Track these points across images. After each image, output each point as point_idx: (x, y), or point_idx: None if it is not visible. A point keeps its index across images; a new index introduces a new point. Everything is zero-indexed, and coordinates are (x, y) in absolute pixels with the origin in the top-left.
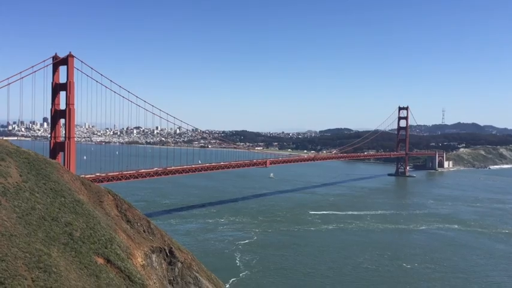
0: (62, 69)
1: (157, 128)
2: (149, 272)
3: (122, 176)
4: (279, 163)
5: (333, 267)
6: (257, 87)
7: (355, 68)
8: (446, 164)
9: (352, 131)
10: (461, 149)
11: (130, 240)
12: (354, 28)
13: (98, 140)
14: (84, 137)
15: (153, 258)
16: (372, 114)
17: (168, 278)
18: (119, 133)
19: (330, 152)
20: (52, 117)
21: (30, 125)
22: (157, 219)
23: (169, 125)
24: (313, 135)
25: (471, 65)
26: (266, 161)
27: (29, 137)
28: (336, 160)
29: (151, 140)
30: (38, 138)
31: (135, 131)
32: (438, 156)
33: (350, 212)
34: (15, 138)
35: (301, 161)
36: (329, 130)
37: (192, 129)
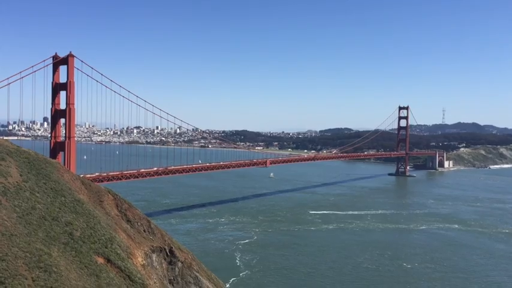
0: (62, 68)
1: (157, 127)
2: (149, 271)
3: (122, 176)
4: (279, 163)
5: (333, 267)
6: (257, 87)
7: (355, 67)
8: (446, 163)
9: (353, 130)
10: (462, 149)
11: (131, 240)
12: (354, 28)
13: (98, 140)
14: (85, 137)
15: (154, 258)
16: (372, 114)
17: (168, 277)
18: (119, 133)
19: (330, 152)
20: (52, 116)
21: (31, 124)
22: (157, 219)
23: (170, 125)
24: (313, 135)
25: (471, 65)
26: (266, 161)
27: (29, 136)
28: (336, 160)
29: (152, 140)
30: (38, 137)
31: (135, 131)
32: (438, 156)
33: (350, 212)
34: (16, 137)
35: (301, 161)
36: (329, 130)
37: (192, 129)
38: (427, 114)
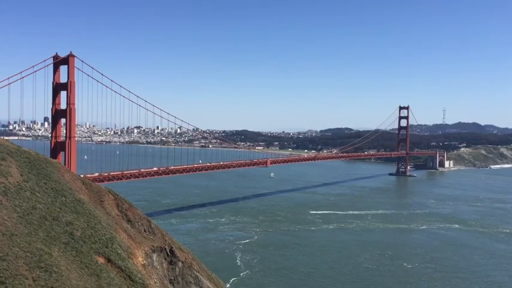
0: (63, 68)
1: (157, 127)
2: (150, 271)
3: (122, 176)
4: (279, 163)
5: (334, 266)
6: (258, 87)
7: (355, 67)
8: (447, 163)
9: (353, 130)
10: (462, 149)
11: (131, 240)
12: (354, 28)
13: (99, 140)
14: (85, 137)
15: (154, 258)
16: (373, 114)
17: (168, 277)
18: (119, 133)
19: (331, 152)
20: (53, 116)
21: (31, 124)
22: (158, 219)
23: (170, 125)
24: (313, 134)
25: (472, 65)
26: (267, 161)
27: (30, 136)
28: (337, 160)
29: (152, 140)
30: (39, 137)
31: (135, 131)
32: (439, 156)
33: (351, 212)
34: (16, 137)
35: (301, 161)
36: (330, 130)
37: (193, 129)
38: (427, 114)
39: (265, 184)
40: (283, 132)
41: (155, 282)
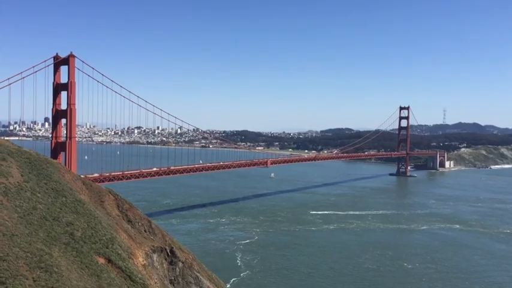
0: (63, 69)
1: (158, 128)
2: (150, 271)
3: (123, 176)
4: (280, 163)
5: (334, 267)
6: (258, 87)
7: (355, 68)
8: (447, 163)
9: (353, 130)
10: (463, 149)
11: (132, 240)
12: (354, 28)
13: (99, 140)
14: (85, 137)
15: (154, 258)
16: (373, 114)
17: (169, 277)
18: (120, 133)
19: (331, 152)
20: (53, 117)
21: (32, 125)
22: (158, 219)
23: (170, 125)
24: (314, 135)
25: (472, 65)
26: (267, 161)
27: (30, 137)
28: (337, 160)
29: (152, 140)
30: (39, 138)
31: (136, 131)
32: (439, 156)
33: (351, 212)
34: (17, 138)
35: (302, 161)
36: (330, 130)
37: (193, 129)
38: (427, 114)
39: (266, 184)
40: (284, 132)
41: (155, 283)
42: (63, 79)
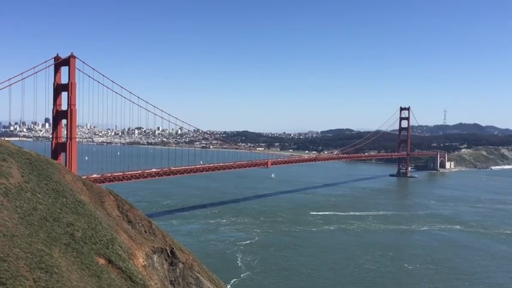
0: (64, 69)
1: (158, 128)
2: (150, 272)
3: (123, 177)
4: (280, 164)
5: (335, 268)
6: (258, 87)
7: (356, 68)
8: (447, 164)
9: (354, 131)
10: (463, 150)
11: (132, 241)
12: (354, 29)
13: (100, 141)
14: (86, 138)
15: (155, 259)
16: (374, 115)
17: (169, 278)
18: (120, 134)
19: (332, 153)
20: (54, 117)
21: (32, 125)
22: (158, 220)
23: (171, 126)
24: (314, 135)
25: (472, 66)
26: (267, 162)
27: (31, 137)
28: (338, 161)
29: (153, 141)
30: (40, 138)
31: (136, 132)
32: (440, 157)
33: (351, 213)
34: (17, 138)
35: (302, 162)
36: (330, 131)
37: (194, 130)
38: (428, 115)
39: (266, 185)
40: (284, 133)
41: (156, 283)
42: (64, 80)
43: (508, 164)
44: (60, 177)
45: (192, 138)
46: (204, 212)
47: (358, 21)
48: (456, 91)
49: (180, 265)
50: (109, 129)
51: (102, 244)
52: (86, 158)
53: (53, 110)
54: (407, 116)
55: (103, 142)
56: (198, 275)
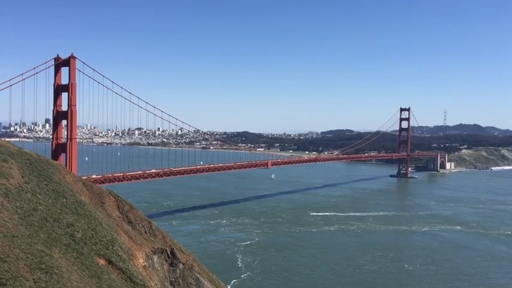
0: (64, 70)
1: (158, 129)
2: (151, 273)
3: (124, 177)
4: (280, 164)
5: (335, 268)
6: (258, 88)
7: (356, 69)
8: (448, 165)
9: (354, 132)
10: (463, 150)
11: (132, 242)
12: (354, 29)
13: (100, 141)
14: (86, 138)
15: (155, 260)
16: (374, 116)
17: (169, 279)
18: (120, 134)
19: (332, 153)
20: (54, 118)
21: (32, 126)
22: (158, 221)
23: (171, 126)
24: (314, 136)
25: (472, 66)
26: (267, 162)
27: (31, 138)
28: (338, 161)
29: (153, 141)
30: (40, 139)
31: (136, 132)
32: (440, 158)
33: (352, 214)
34: (17, 139)
35: (302, 162)
36: (331, 131)
37: (194, 131)
38: (428, 115)
39: (266, 186)
40: (284, 133)
41: (156, 284)
42: (64, 80)
43: (508, 165)
44: (60, 177)
45: (192, 139)
46: (204, 213)
47: (358, 21)
48: (456, 92)
49: (180, 266)
50: (109, 130)
51: (103, 245)
52: (86, 158)
53: (53, 110)
54: (407, 116)
55: (103, 143)
56: (198, 275)
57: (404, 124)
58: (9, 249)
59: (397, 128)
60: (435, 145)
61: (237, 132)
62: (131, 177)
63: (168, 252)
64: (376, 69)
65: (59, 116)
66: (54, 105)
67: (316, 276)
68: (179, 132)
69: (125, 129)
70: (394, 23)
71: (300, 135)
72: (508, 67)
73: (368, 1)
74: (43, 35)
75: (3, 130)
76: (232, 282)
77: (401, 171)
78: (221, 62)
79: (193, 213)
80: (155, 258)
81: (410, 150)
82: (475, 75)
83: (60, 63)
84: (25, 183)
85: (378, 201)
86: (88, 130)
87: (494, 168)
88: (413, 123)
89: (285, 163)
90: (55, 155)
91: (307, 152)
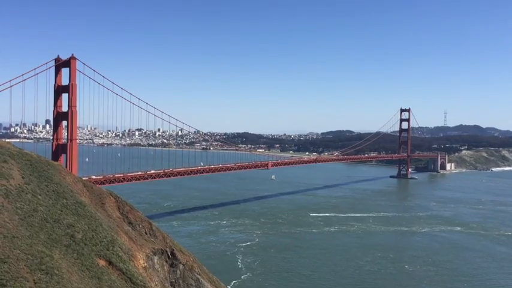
0: (65, 71)
1: (159, 130)
2: (151, 274)
3: (124, 178)
4: (280, 165)
5: (335, 269)
6: (258, 89)
7: (356, 69)
8: (448, 166)
9: (354, 133)
10: (464, 151)
11: (132, 242)
12: (354, 30)
13: (100, 142)
14: (86, 139)
15: (155, 260)
16: (374, 116)
17: (169, 280)
18: (120, 135)
19: (332, 154)
20: (54, 119)
21: (33, 127)
22: (159, 221)
23: (171, 127)
24: (314, 137)
25: (472, 67)
26: (268, 163)
27: (31, 139)
28: (338, 162)
29: (153, 142)
30: (40, 140)
31: (137, 133)
32: (440, 158)
33: (352, 214)
34: (18, 140)
35: (302, 163)
36: (331, 132)
37: (194, 131)
38: (428, 116)
39: (266, 186)
40: (285, 134)
41: (156, 285)
42: (64, 81)
43: (509, 166)
44: (60, 178)
45: (192, 140)
46: (205, 214)
47: (358, 22)
48: (456, 92)
49: (181, 266)
50: (109, 131)
51: (103, 246)
52: (87, 159)
53: (53, 111)
54: (407, 117)
55: (103, 143)
56: (199, 276)
57: (405, 125)
58: (10, 250)
59: (397, 128)
60: (435, 146)
61: (237, 133)
62: (131, 178)
63: (169, 253)
64: (376, 70)
65: (59, 116)
66: (54, 106)
67: (317, 277)
68: (179, 133)
69: (125, 130)
70: (394, 24)
71: (300, 136)
72: (509, 68)
73: (368, 2)
74: (43, 36)
75: (4, 131)
76: (232, 283)
77: (402, 172)
78: (221, 63)
79: (193, 214)
80: (155, 259)
81: (410, 151)
82: (475, 76)
83: (60, 64)
84: (25, 184)
85: (378, 202)
86: (88, 131)
87: (494, 169)
88: (413, 124)
89: (285, 164)
90: (55, 155)
91: (307, 153)
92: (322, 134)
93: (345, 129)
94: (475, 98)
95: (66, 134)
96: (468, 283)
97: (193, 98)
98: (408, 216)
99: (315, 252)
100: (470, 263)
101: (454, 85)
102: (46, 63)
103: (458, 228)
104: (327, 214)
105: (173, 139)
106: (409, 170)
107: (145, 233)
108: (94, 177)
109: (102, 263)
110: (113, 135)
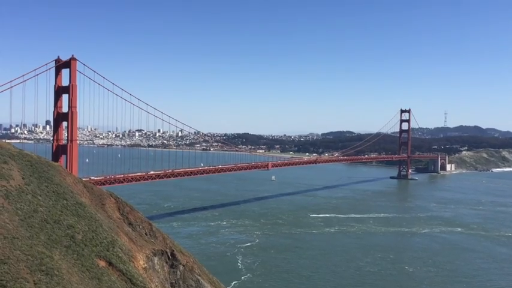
0: (65, 72)
1: (159, 130)
2: (151, 275)
3: (124, 179)
4: (280, 166)
5: (335, 270)
6: (259, 89)
7: (356, 70)
8: (448, 167)
9: (354, 133)
10: (464, 152)
11: (132, 243)
12: (354, 31)
13: (100, 143)
14: (87, 140)
15: (155, 261)
16: (374, 117)
17: (169, 281)
18: (121, 136)
19: (332, 155)
20: (54, 120)
21: (33, 127)
22: (159, 222)
23: (171, 128)
24: (315, 138)
25: (473, 68)
26: (268, 164)
27: (32, 139)
28: (338, 163)
29: (154, 143)
30: (41, 141)
31: (137, 134)
32: (440, 159)
33: (352, 215)
34: (18, 141)
35: (303, 164)
36: (331, 133)
37: (194, 132)
38: (429, 117)
39: (267, 187)
40: (285, 135)
41: (156, 286)
42: (65, 82)
43: (509, 167)
44: (60, 179)
45: (192, 141)
46: (205, 214)
47: (358, 23)
48: (457, 93)
49: (181, 267)
50: (110, 132)
51: (103, 246)
52: (87, 160)
53: (53, 112)
54: (407, 118)
55: (104, 144)
56: (199, 277)
57: (405, 126)
58: (10, 250)
59: (398, 129)
60: (435, 147)
61: (237, 134)
62: (132, 178)
63: (169, 254)
64: (377, 71)
65: (59, 117)
66: (54, 106)
67: (317, 277)
68: (179, 134)
69: (125, 131)
70: (394, 24)
71: (300, 136)
72: (509, 68)
73: (368, 3)
74: (44, 36)
75: (4, 131)
76: (232, 284)
77: (402, 172)
78: (221, 63)
79: (193, 215)
80: (155, 260)
81: (410, 152)
82: (476, 77)
83: (60, 65)
84: (25, 184)
85: (379, 202)
86: (88, 132)
87: (494, 170)
88: (413, 124)
89: (285, 165)
90: (56, 156)
91: (307, 154)
92: (322, 134)
93: (345, 130)
94: (475, 99)
95: (66, 134)
96: (468, 284)
97: (193, 98)
98: (408, 217)
99: (315, 253)
100: (470, 263)
101: (454, 86)
102: (46, 64)
103: (459, 229)
104: (327, 215)
105: (173, 140)
106: (409, 170)
107: (146, 234)
108: (95, 177)
109: (102, 263)
110: (113, 136)
